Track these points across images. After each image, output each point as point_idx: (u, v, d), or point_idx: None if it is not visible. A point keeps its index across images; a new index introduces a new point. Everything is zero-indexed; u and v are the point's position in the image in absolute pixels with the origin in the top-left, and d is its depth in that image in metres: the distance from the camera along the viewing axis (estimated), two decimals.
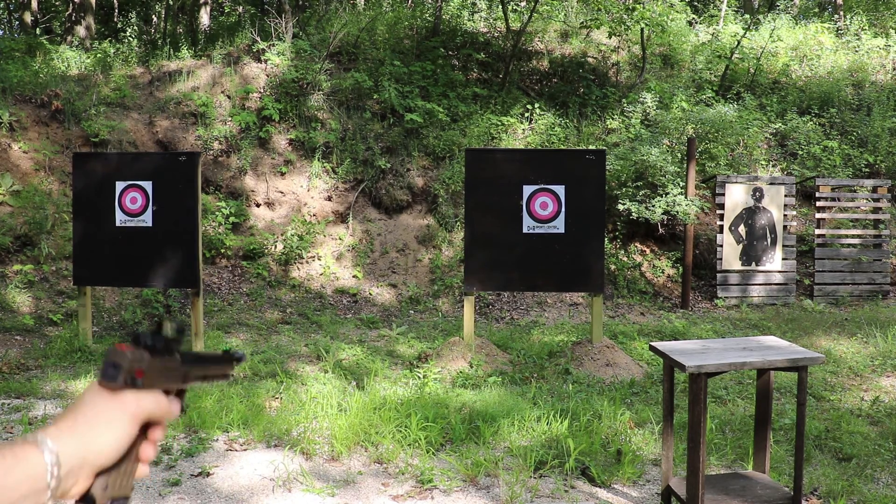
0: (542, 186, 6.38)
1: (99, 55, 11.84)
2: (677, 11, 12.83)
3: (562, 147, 10.72)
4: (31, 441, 0.71)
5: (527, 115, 11.50)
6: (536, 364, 6.33)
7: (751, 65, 12.73)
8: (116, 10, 18.35)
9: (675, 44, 13.28)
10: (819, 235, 9.77)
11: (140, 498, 3.76)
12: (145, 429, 0.83)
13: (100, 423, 0.76)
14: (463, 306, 6.99)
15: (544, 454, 4.19)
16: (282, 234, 9.65)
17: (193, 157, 6.72)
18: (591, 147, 10.72)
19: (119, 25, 17.54)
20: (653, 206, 9.24)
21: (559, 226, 6.36)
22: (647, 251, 10.17)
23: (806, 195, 10.88)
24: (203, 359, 0.91)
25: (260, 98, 10.74)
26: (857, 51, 13.67)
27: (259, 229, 9.70)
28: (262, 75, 11.10)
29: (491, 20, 13.73)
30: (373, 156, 10.43)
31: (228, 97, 10.79)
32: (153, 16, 18.82)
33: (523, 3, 14.48)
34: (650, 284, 9.72)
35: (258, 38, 11.81)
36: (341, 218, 10.13)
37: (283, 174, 10.28)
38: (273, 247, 9.51)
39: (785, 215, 9.63)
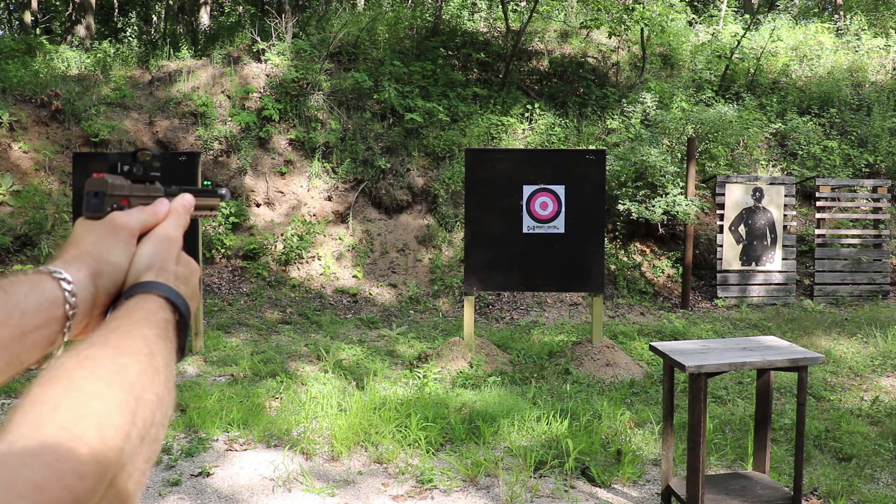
0: (542, 186, 6.38)
1: (99, 55, 11.84)
2: (677, 11, 12.83)
3: (562, 147, 10.72)
4: (43, 271, 0.63)
5: (527, 115, 11.50)
6: (536, 364, 6.33)
7: (751, 65, 12.73)
8: (116, 10, 18.35)
9: (675, 44, 13.28)
10: (819, 235, 9.77)
11: (140, 498, 3.75)
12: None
13: (105, 244, 0.69)
14: (463, 306, 6.99)
15: (544, 454, 4.19)
16: (282, 234, 9.65)
17: (193, 157, 6.72)
18: (591, 147, 10.72)
19: (119, 25, 17.55)
20: (653, 206, 9.24)
21: (559, 226, 6.36)
22: (647, 251, 10.17)
23: (806, 195, 10.88)
24: (188, 190, 0.86)
25: (260, 98, 10.74)
26: (857, 51, 13.67)
27: (259, 229, 9.70)
28: (262, 75, 11.10)
29: (491, 20, 13.73)
30: (373, 156, 10.43)
31: (228, 97, 10.79)
32: (153, 16, 18.82)
33: (523, 3, 14.48)
34: (650, 284, 9.72)
35: (258, 38, 11.81)
36: (341, 218, 10.13)
37: (283, 174, 10.28)
38: (273, 247, 9.51)
39: (785, 215, 9.63)
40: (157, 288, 0.68)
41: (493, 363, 6.23)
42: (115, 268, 0.69)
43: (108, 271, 0.68)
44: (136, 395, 0.52)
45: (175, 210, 0.78)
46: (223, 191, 0.95)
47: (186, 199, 0.81)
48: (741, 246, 9.56)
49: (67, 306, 0.62)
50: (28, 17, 16.44)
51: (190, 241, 6.55)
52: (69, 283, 0.63)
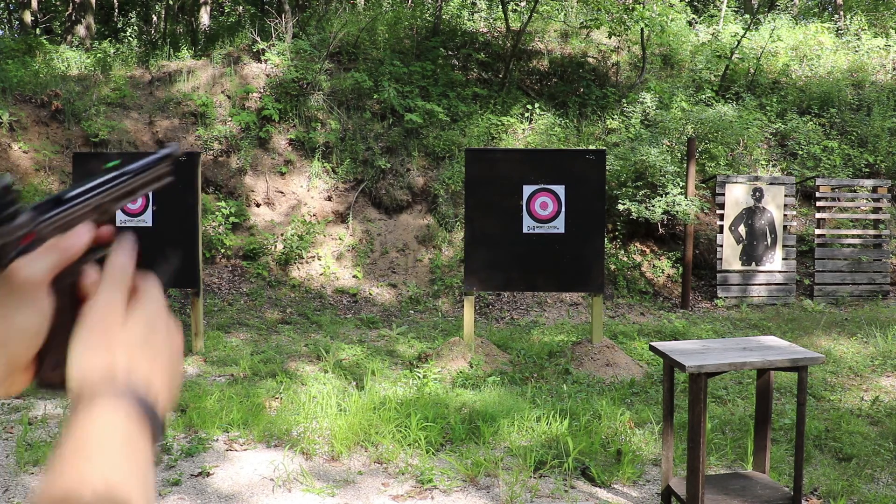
0: (542, 186, 6.38)
1: (99, 55, 11.84)
2: (677, 11, 12.82)
3: (562, 147, 10.71)
4: None
5: (527, 115, 11.50)
6: (536, 364, 6.33)
7: (751, 65, 12.72)
8: (116, 10, 18.35)
9: (675, 44, 13.27)
10: (819, 235, 9.77)
11: None
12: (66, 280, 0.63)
13: (6, 308, 0.59)
14: (463, 306, 6.99)
15: (544, 454, 4.19)
16: (282, 234, 9.65)
17: (193, 157, 6.72)
18: (591, 147, 10.72)
19: (119, 25, 17.54)
20: (653, 206, 9.24)
21: (559, 226, 6.36)
22: (647, 251, 10.17)
23: (806, 195, 10.88)
24: (111, 174, 0.67)
25: (260, 98, 10.74)
26: (857, 51, 13.67)
27: (259, 229, 9.70)
28: (262, 75, 11.10)
29: (491, 20, 13.72)
30: (373, 156, 10.43)
31: (228, 97, 10.79)
32: (153, 16, 18.81)
33: (523, 3, 14.48)
34: (650, 284, 9.72)
35: (258, 38, 11.81)
36: (341, 218, 10.13)
37: (283, 174, 10.28)
38: (273, 247, 9.51)
39: (785, 215, 9.63)
40: (114, 400, 0.58)
41: (493, 363, 6.23)
42: (24, 333, 0.60)
43: (18, 338, 0.60)
44: None
45: (107, 279, 0.63)
46: (169, 149, 0.73)
47: (120, 259, 0.65)
48: (741, 246, 9.56)
49: None
50: (28, 17, 16.43)
51: (190, 240, 6.56)
52: None
